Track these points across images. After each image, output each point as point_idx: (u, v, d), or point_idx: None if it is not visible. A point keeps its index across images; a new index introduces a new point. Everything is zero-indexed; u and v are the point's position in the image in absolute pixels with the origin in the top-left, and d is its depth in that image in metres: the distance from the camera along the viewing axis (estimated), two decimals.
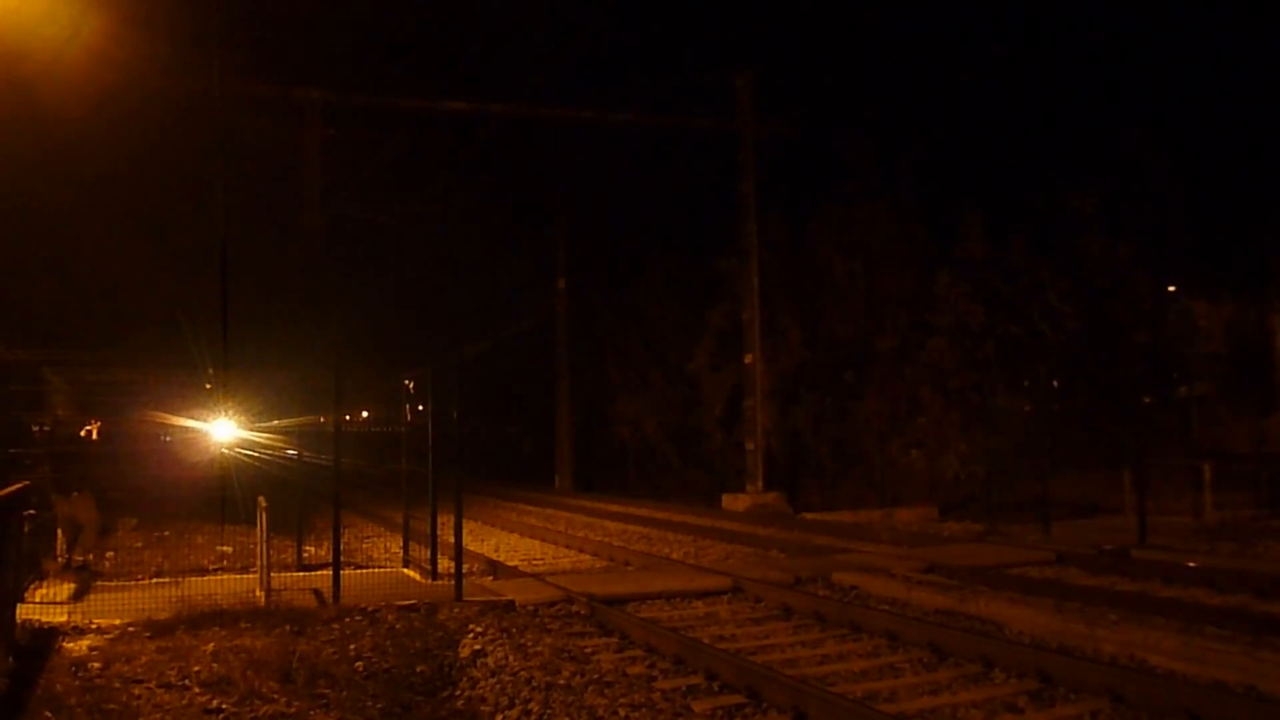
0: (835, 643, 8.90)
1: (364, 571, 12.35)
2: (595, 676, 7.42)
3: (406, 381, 14.20)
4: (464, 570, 10.81)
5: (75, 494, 12.32)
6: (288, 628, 8.89)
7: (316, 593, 10.65)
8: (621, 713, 6.61)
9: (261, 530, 10.79)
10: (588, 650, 8.58)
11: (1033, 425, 18.67)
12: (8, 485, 9.14)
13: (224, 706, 6.84)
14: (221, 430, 16.97)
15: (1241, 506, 16.97)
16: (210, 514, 18.54)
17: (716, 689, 7.44)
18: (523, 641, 8.56)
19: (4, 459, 11.31)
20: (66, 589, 11.03)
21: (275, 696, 7.02)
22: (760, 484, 23.61)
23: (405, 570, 12.64)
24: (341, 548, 11.07)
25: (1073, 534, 15.11)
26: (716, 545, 16.55)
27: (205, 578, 12.27)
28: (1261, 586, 10.54)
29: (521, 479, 34.22)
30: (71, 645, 8.47)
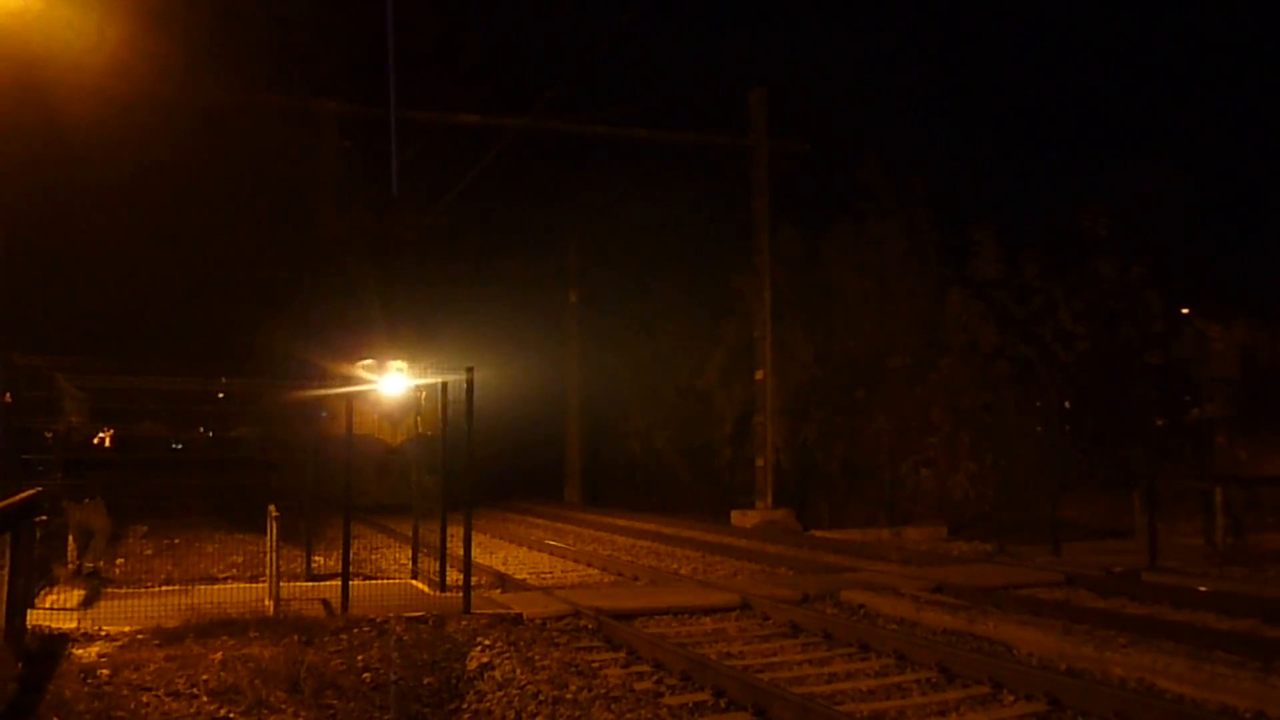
0: (843, 661, 8.88)
1: (373, 583, 12.36)
2: (602, 691, 7.41)
3: (419, 393, 14.23)
4: (472, 583, 10.82)
5: (87, 500, 12.36)
6: (296, 638, 8.90)
7: (325, 603, 10.67)
8: None
9: (271, 540, 10.84)
10: (595, 665, 8.57)
11: (1043, 446, 18.59)
12: (20, 491, 9.17)
13: (231, 715, 6.86)
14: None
15: (1254, 530, 16.86)
16: (218, 522, 18.60)
17: (724, 706, 7.42)
18: (530, 655, 8.56)
19: (16, 465, 11.35)
20: (76, 595, 11.09)
21: (283, 706, 7.03)
22: (770, 500, 23.57)
23: (414, 582, 12.66)
24: (350, 558, 11.08)
25: (1082, 555, 15.05)
26: (725, 561, 16.52)
27: (215, 586, 12.30)
28: (1272, 611, 10.47)
29: (531, 492, 34.22)
30: (81, 652, 8.50)
